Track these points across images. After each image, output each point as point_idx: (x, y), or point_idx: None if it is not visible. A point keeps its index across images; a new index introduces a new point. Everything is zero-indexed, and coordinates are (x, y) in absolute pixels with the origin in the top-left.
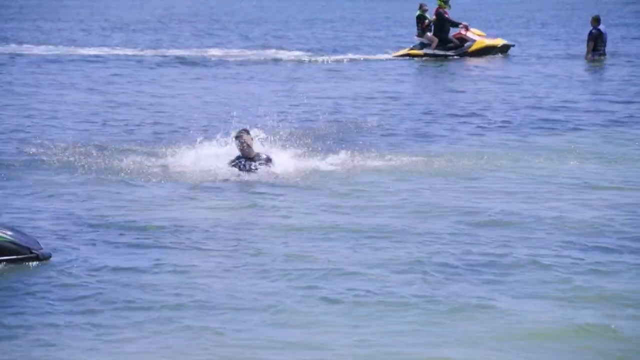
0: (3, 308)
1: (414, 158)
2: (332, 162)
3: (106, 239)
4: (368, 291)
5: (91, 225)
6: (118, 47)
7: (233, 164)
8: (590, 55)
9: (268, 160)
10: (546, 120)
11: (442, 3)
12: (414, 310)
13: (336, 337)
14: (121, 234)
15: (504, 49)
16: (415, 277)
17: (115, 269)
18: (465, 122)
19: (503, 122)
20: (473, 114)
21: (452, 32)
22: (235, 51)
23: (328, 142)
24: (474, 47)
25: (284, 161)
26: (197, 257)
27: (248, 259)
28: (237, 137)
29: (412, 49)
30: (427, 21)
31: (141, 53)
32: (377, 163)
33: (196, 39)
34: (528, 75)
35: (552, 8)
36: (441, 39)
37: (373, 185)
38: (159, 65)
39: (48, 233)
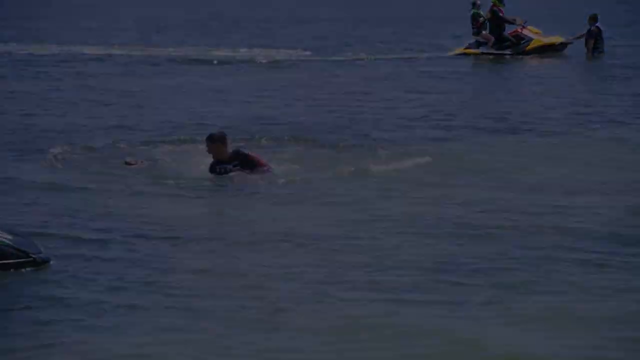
0: (2, 310)
1: (422, 159)
2: (327, 162)
3: (105, 242)
4: (357, 293)
5: (89, 228)
6: (118, 46)
7: (211, 167)
8: (590, 53)
9: (244, 160)
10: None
11: (497, 1)
12: (406, 318)
13: (329, 339)
14: (119, 237)
15: (561, 47)
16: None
17: (115, 272)
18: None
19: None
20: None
21: (508, 29)
22: (290, 51)
23: (331, 141)
24: (531, 45)
25: (287, 167)
26: (195, 258)
27: (243, 260)
28: (205, 140)
29: (467, 47)
30: (481, 19)
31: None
32: (383, 164)
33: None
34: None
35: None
36: (497, 37)
37: (366, 190)
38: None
39: (47, 235)
